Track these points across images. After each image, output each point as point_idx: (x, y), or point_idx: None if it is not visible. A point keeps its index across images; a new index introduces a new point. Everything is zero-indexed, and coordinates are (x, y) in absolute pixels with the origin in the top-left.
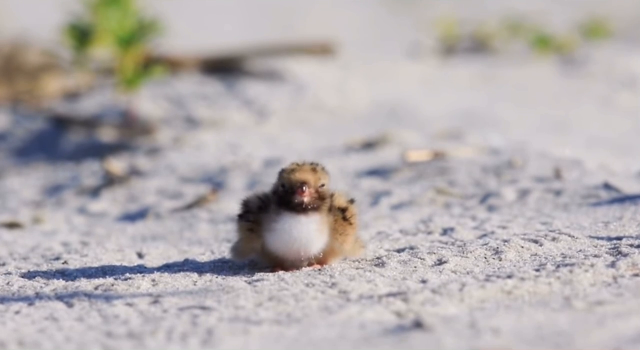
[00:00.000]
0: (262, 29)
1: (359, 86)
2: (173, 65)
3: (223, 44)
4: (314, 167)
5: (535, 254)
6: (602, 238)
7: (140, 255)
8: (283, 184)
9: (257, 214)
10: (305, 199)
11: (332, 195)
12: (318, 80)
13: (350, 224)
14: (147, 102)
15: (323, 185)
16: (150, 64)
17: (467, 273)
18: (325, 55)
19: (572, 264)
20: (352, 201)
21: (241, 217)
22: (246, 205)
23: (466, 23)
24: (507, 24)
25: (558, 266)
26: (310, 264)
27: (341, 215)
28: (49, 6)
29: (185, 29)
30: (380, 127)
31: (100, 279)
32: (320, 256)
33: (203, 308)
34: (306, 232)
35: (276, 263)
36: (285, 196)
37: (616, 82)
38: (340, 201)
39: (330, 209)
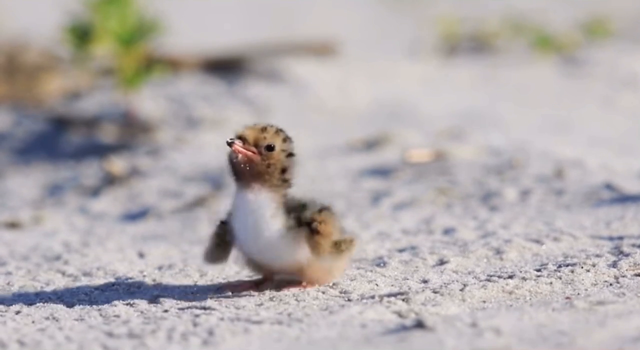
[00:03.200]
0: (262, 28)
1: (359, 86)
2: (173, 65)
3: (224, 44)
4: (263, 127)
5: (537, 254)
6: (603, 238)
7: (141, 255)
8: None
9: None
10: (239, 157)
11: (303, 206)
12: (319, 80)
13: (319, 233)
14: (147, 101)
15: (271, 147)
16: (150, 64)
17: (469, 273)
18: (326, 55)
19: (574, 264)
20: (322, 210)
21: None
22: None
23: (467, 22)
24: (508, 24)
25: (559, 266)
26: (297, 284)
27: (309, 229)
28: (48, 5)
29: (186, 28)
30: (381, 127)
31: (101, 278)
32: (303, 269)
33: (204, 308)
34: (253, 212)
35: (255, 268)
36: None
37: (618, 81)
38: (307, 215)
39: (300, 223)
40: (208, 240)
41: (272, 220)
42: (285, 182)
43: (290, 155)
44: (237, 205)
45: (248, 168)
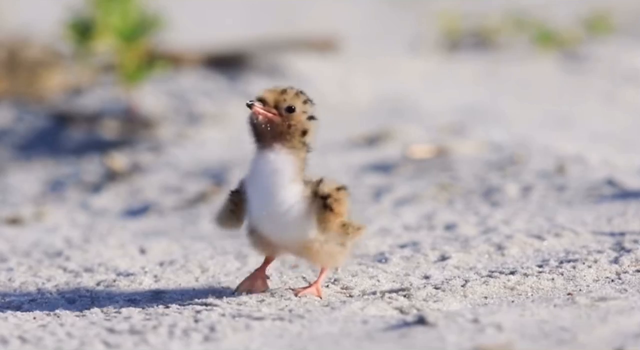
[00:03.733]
0: (264, 23)
1: (361, 81)
2: (175, 61)
3: (225, 39)
4: (283, 89)
5: (538, 250)
6: (605, 234)
7: (142, 251)
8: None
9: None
10: (260, 118)
11: (320, 181)
12: (320, 76)
13: (332, 210)
14: (148, 97)
15: (292, 108)
16: (152, 60)
17: (470, 269)
18: (327, 51)
19: (575, 260)
20: (340, 188)
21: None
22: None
23: (469, 17)
24: (509, 19)
25: (561, 262)
26: (301, 290)
27: (322, 202)
28: (50, 1)
29: (187, 24)
30: (383, 123)
31: (102, 274)
32: (307, 247)
33: (205, 304)
34: (273, 173)
35: (260, 245)
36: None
37: (619, 77)
38: (325, 189)
39: (315, 195)
40: (221, 205)
41: (290, 184)
42: (306, 145)
43: (312, 118)
44: (255, 167)
45: (269, 129)
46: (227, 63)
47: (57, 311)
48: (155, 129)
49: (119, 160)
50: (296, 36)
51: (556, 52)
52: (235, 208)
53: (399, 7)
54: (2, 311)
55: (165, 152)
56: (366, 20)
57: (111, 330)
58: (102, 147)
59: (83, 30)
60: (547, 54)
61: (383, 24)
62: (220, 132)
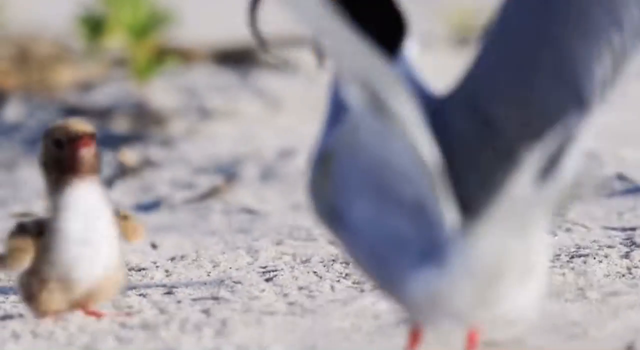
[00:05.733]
0: (274, 18)
1: None
2: (186, 56)
3: (236, 34)
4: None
5: (549, 245)
6: (616, 228)
7: (153, 246)
8: (57, 139)
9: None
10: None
11: None
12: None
13: None
14: (160, 93)
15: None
16: (163, 55)
17: None
18: None
19: (586, 255)
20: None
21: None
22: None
23: (481, 13)
24: None
25: (572, 257)
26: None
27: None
28: None
29: (198, 19)
30: None
31: None
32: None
33: (217, 299)
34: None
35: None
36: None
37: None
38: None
39: None
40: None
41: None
42: None
43: None
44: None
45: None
46: (238, 58)
47: None
48: (166, 124)
49: (130, 155)
50: (307, 32)
51: None
52: None
53: (411, 2)
54: (14, 306)
55: (176, 147)
56: None
57: (123, 325)
58: (113, 142)
59: (94, 26)
60: None
61: None
62: (231, 128)
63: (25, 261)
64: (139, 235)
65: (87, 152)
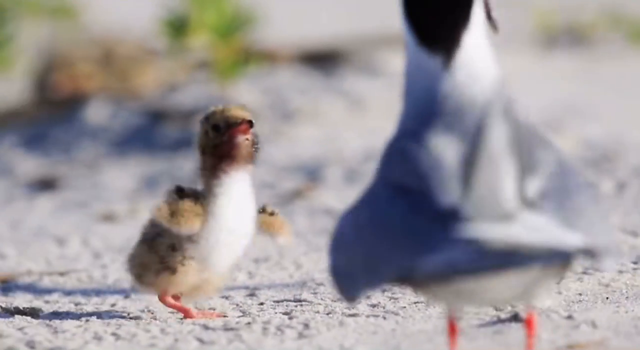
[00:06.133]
0: (359, 19)
1: None
2: (270, 57)
3: (320, 35)
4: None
5: (634, 247)
6: None
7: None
8: (215, 124)
9: None
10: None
11: None
12: None
13: None
14: (244, 94)
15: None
16: (247, 56)
17: None
18: None
19: None
20: None
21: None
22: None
23: (564, 11)
24: (605, 15)
25: None
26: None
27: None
28: None
29: (282, 20)
30: None
31: None
32: None
33: (299, 301)
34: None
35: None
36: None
37: None
38: None
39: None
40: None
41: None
42: None
43: None
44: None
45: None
46: (322, 59)
47: (151, 308)
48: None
49: None
50: (391, 33)
51: None
52: None
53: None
54: (96, 308)
55: (259, 148)
56: None
57: (205, 327)
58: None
59: (178, 27)
60: None
61: None
62: (314, 129)
63: (198, 224)
64: (285, 231)
65: (244, 140)
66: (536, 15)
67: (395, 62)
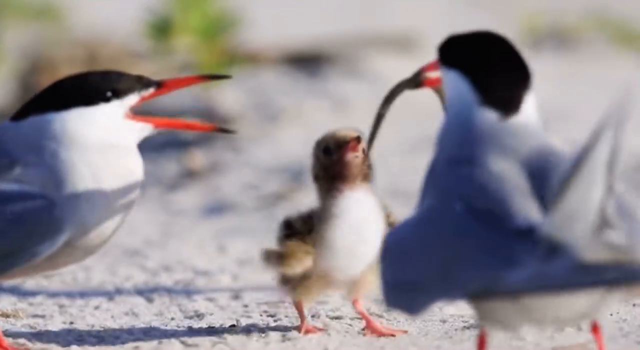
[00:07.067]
0: (342, 21)
1: None
2: (254, 59)
3: (304, 37)
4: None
5: None
6: None
7: (220, 250)
8: (326, 147)
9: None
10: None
11: None
12: (399, 75)
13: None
14: (228, 95)
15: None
16: (231, 58)
17: None
18: (406, 48)
19: None
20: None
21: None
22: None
23: (549, 14)
24: (589, 17)
25: None
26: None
27: None
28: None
29: (266, 22)
30: None
31: (181, 273)
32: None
33: (283, 303)
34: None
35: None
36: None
37: None
38: None
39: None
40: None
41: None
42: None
43: None
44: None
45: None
46: (306, 61)
47: (135, 310)
48: (234, 127)
49: (197, 158)
50: (375, 34)
51: (637, 52)
52: None
53: (478, 5)
54: (81, 310)
55: (244, 150)
56: (446, 19)
57: (189, 330)
58: (180, 145)
59: (162, 29)
60: (628, 53)
61: (462, 22)
62: (299, 130)
63: (307, 262)
64: None
65: (354, 157)
66: (521, 18)
67: (379, 63)
